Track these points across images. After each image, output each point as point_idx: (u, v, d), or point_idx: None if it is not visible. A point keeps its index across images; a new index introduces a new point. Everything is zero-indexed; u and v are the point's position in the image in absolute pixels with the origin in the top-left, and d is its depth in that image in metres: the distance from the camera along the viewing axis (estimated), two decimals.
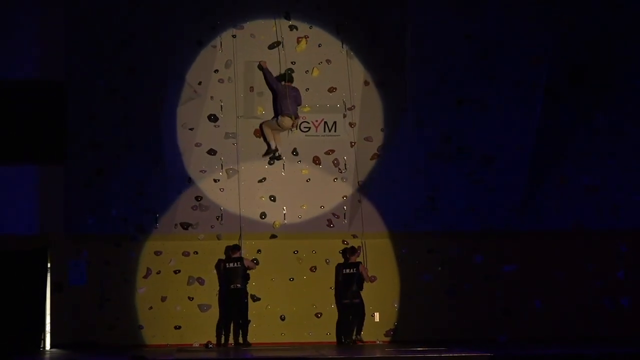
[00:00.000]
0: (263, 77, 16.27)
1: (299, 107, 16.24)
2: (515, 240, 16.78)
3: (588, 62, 16.62)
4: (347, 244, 16.56)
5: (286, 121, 16.02)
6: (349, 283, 16.02)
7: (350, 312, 16.09)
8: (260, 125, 16.29)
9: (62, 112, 16.17)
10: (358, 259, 16.28)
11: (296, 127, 16.22)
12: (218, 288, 16.31)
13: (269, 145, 16.23)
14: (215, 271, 16.36)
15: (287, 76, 16.14)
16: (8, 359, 14.61)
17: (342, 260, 16.38)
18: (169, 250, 16.38)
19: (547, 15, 16.18)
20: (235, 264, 15.84)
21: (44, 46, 16.21)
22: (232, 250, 16.02)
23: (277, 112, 16.07)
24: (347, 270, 16.06)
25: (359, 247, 16.37)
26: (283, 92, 16.01)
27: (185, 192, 16.41)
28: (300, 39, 16.44)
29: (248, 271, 16.01)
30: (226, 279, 15.88)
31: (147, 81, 16.11)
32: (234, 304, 15.82)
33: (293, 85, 16.16)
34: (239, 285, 15.76)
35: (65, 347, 16.02)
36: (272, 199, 16.61)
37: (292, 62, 16.53)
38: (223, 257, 16.27)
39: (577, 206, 16.86)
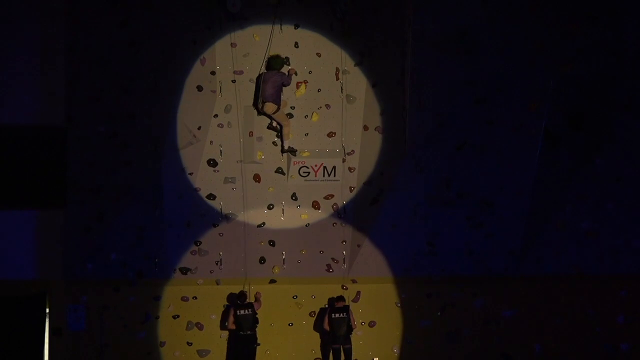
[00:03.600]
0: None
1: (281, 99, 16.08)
2: (514, 284, 16.75)
3: (587, 106, 16.57)
4: (347, 289, 16.52)
5: (265, 107, 15.97)
6: (338, 327, 15.92)
7: (340, 358, 15.94)
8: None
9: (62, 157, 16.17)
10: (345, 303, 16.18)
11: (274, 112, 15.99)
12: (220, 333, 16.31)
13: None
14: (219, 317, 16.36)
15: (273, 63, 15.95)
16: None
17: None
18: (168, 295, 16.34)
19: (546, 60, 16.14)
20: (246, 310, 15.79)
21: (44, 92, 16.13)
22: (240, 297, 15.96)
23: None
24: (337, 315, 15.94)
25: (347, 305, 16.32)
26: (265, 79, 15.95)
27: (184, 237, 16.38)
28: (299, 84, 16.38)
29: (257, 312, 15.97)
30: (237, 326, 15.79)
31: (147, 126, 16.11)
32: (243, 350, 15.79)
33: (282, 71, 16.00)
34: (249, 332, 15.73)
35: None
36: (272, 243, 16.56)
37: (291, 107, 16.49)
38: (223, 302, 16.31)
39: (577, 251, 16.82)
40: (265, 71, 16.03)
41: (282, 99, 16.06)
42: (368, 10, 16.32)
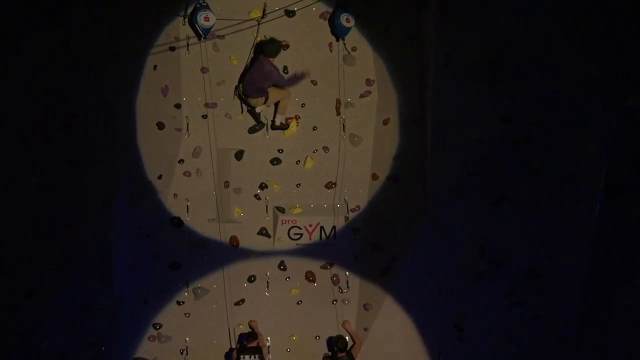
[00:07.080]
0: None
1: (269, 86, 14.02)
2: None
3: None
4: None
5: (251, 101, 14.21)
6: None
7: None
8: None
9: None
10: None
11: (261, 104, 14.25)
12: None
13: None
14: None
15: (268, 50, 13.82)
16: None
17: None
18: None
19: (606, 90, 13.80)
20: (253, 357, 14.10)
21: None
22: (249, 338, 14.17)
23: None
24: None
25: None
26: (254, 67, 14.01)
27: (139, 319, 14.43)
28: (289, 120, 14.52)
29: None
30: None
31: (94, 177, 13.75)
32: None
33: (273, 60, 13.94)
34: None
35: None
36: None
37: (279, 150, 14.67)
38: None
39: None
40: (259, 57, 13.95)
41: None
42: (378, 30, 14.58)
